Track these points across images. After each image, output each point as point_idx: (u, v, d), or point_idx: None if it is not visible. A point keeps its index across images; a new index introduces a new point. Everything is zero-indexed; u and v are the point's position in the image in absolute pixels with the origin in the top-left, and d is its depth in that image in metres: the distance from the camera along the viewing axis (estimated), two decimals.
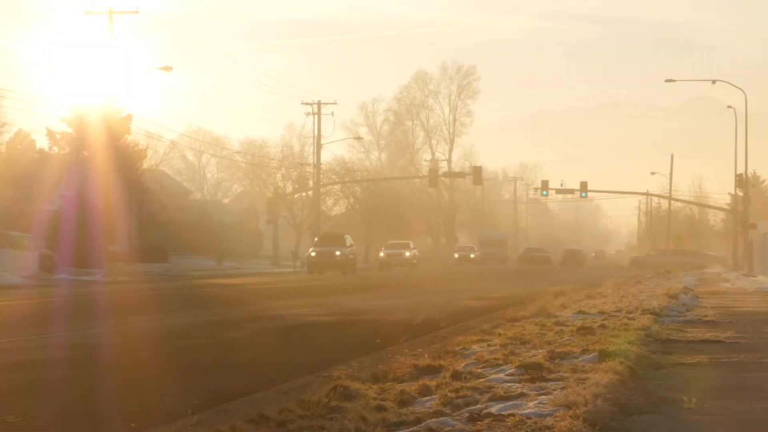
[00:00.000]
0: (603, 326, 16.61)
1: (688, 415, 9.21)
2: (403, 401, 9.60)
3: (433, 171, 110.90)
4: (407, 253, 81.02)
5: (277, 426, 8.46)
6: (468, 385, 10.22)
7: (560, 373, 11.11)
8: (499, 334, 15.62)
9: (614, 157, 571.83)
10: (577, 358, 12.41)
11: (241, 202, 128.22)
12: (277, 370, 13.56)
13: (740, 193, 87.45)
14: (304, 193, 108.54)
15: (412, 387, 10.33)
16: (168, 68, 66.86)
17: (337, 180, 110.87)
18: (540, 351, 13.05)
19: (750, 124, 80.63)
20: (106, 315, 25.62)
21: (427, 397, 9.85)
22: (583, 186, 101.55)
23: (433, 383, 10.52)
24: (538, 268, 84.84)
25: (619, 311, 20.63)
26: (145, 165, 72.59)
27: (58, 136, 64.08)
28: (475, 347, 14.09)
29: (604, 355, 12.24)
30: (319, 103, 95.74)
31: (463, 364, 12.00)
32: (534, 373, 11.05)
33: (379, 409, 9.07)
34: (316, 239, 71.04)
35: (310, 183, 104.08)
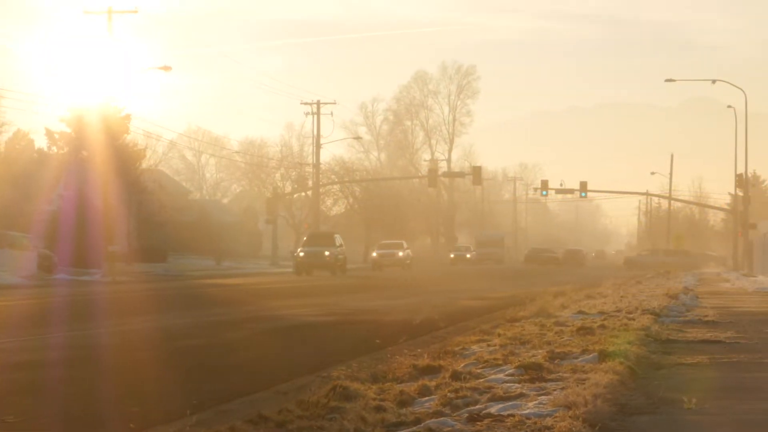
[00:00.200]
0: (603, 326, 16.59)
1: (688, 415, 9.20)
2: (403, 401, 9.58)
3: (433, 171, 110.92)
4: (400, 253, 79.56)
5: (276, 426, 8.45)
6: (467, 385, 10.20)
7: (560, 374, 11.10)
8: (499, 335, 15.60)
9: (614, 157, 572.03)
10: (576, 358, 12.39)
11: (240, 202, 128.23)
12: (277, 370, 13.55)
13: (740, 193, 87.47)
14: (303, 193, 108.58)
15: (411, 387, 10.31)
16: (167, 68, 66.87)
17: (336, 180, 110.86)
18: (540, 351, 13.03)
19: (750, 124, 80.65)
20: (105, 315, 25.61)
21: (427, 398, 9.84)
22: (583, 186, 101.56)
23: (433, 383, 10.51)
24: (539, 269, 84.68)
25: (618, 311, 20.61)
26: (144, 165, 72.58)
27: (56, 135, 64.06)
28: (475, 347, 14.07)
29: (603, 356, 12.22)
30: (318, 103, 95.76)
31: (462, 365, 11.98)
32: (534, 373, 11.03)
33: (379, 409, 9.06)
34: (304, 238, 69.20)
35: (310, 183, 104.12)
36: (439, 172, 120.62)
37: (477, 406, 9.18)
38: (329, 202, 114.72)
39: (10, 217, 58.79)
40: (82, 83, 65.46)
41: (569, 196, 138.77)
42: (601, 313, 20.22)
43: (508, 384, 10.42)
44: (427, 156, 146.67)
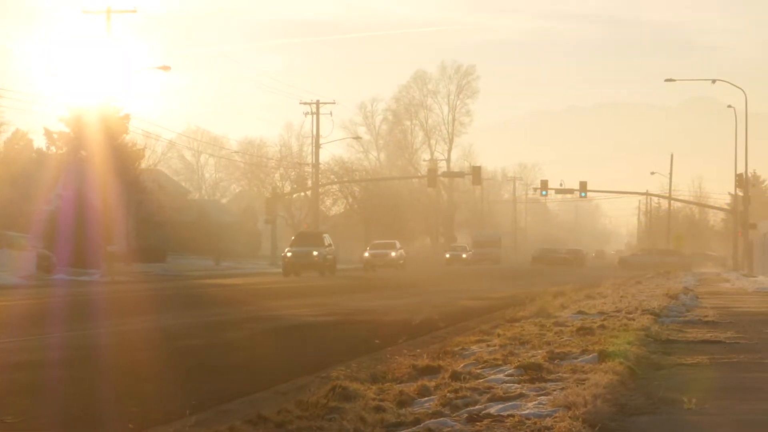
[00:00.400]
0: (602, 327, 16.57)
1: (688, 415, 9.19)
2: (402, 402, 9.57)
3: (432, 171, 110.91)
4: (393, 254, 78.08)
5: (275, 427, 8.43)
6: (467, 385, 10.19)
7: (560, 374, 11.08)
8: (499, 335, 15.58)
9: (614, 156, 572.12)
10: (576, 358, 12.38)
11: (240, 202, 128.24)
12: (276, 370, 13.53)
13: (740, 193, 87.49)
14: (302, 193, 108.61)
15: (411, 387, 10.30)
16: (166, 68, 66.89)
17: (335, 180, 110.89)
18: (539, 351, 13.02)
19: (750, 123, 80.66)
20: (104, 315, 25.60)
21: (426, 398, 9.82)
22: (583, 186, 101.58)
23: (432, 384, 10.49)
24: (540, 269, 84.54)
25: (618, 311, 20.59)
26: (143, 165, 72.58)
27: (55, 135, 64.05)
28: (475, 348, 14.06)
29: (603, 356, 12.20)
30: (317, 103, 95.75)
31: (462, 365, 11.96)
32: (533, 373, 11.02)
33: (378, 409, 9.04)
34: (292, 238, 67.14)
35: (309, 183, 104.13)
36: (439, 172, 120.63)
37: (477, 407, 9.17)
38: (328, 202, 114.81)
39: (8, 217, 58.79)
40: (81, 83, 65.48)
41: (569, 196, 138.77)
42: (601, 313, 20.20)
43: (508, 384, 10.40)
44: (426, 156, 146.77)
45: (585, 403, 8.83)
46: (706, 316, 20.83)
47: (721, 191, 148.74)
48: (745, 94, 79.57)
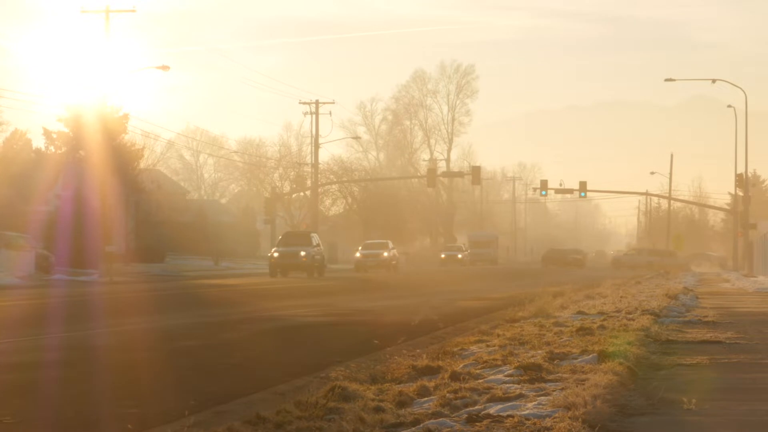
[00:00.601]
0: (602, 327, 16.55)
1: (688, 416, 9.16)
2: (402, 402, 9.54)
3: (432, 171, 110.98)
4: (385, 254, 76.04)
5: (274, 427, 8.41)
6: (466, 386, 10.17)
7: (559, 374, 11.06)
8: (498, 335, 15.56)
9: (613, 156, 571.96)
10: (576, 359, 12.35)
11: (239, 202, 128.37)
12: (275, 371, 13.50)
13: (740, 193, 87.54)
14: (301, 193, 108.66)
15: (410, 388, 10.27)
16: (165, 67, 66.96)
17: (334, 180, 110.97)
18: (539, 352, 12.99)
19: (750, 123, 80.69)
20: (103, 315, 25.58)
21: (426, 398, 9.80)
22: (582, 186, 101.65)
23: (432, 384, 10.47)
24: (538, 269, 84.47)
25: (618, 312, 20.57)
26: (142, 165, 72.64)
27: (54, 135, 64.08)
28: (474, 348, 14.03)
29: (603, 356, 12.18)
30: (317, 103, 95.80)
31: (461, 365, 11.94)
32: (533, 374, 10.99)
33: (377, 410, 9.02)
34: (279, 237, 65.71)
35: (308, 183, 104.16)
36: (438, 172, 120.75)
37: (476, 407, 9.14)
38: (328, 202, 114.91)
39: (7, 217, 58.78)
40: (79, 83, 65.54)
41: (568, 196, 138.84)
42: (601, 313, 20.18)
43: (507, 385, 10.38)
44: (426, 156, 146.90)
45: (585, 404, 8.80)
46: (705, 317, 20.81)
47: (721, 191, 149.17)
48: (745, 94, 79.65)
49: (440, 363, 12.25)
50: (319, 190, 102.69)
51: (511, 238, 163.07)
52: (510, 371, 11.26)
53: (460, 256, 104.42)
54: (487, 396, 9.62)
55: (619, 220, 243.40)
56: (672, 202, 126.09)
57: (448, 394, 9.69)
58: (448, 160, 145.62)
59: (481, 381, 10.65)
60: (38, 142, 69.61)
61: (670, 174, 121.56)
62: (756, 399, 10.24)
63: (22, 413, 10.35)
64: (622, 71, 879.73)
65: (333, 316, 24.05)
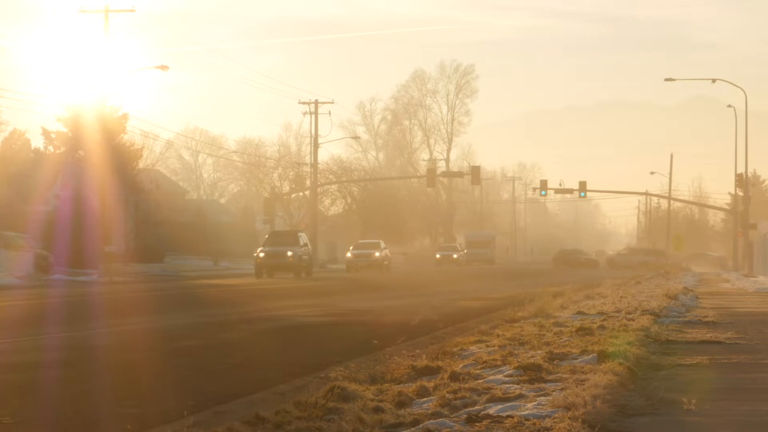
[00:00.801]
0: (602, 327, 16.53)
1: (687, 416, 9.15)
2: (401, 402, 9.53)
3: (431, 171, 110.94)
4: (377, 254, 74.84)
5: (273, 427, 8.40)
6: (466, 386, 10.15)
7: (559, 374, 11.04)
8: (498, 335, 15.54)
9: (613, 156, 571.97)
10: (576, 359, 12.33)
11: (238, 201, 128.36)
12: (274, 371, 13.48)
13: (740, 193, 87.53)
14: (301, 193, 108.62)
15: (409, 388, 10.25)
16: (164, 67, 66.96)
17: (334, 180, 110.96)
18: (539, 352, 12.97)
19: (750, 123, 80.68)
20: (102, 316, 25.57)
21: (425, 399, 9.78)
22: (582, 186, 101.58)
23: (431, 384, 10.45)
24: (538, 269, 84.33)
25: (618, 312, 20.55)
26: (141, 165, 72.63)
27: (53, 135, 64.07)
28: (474, 348, 14.01)
29: (603, 356, 12.16)
30: (316, 103, 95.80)
31: (461, 365, 11.92)
32: (533, 374, 10.98)
33: (377, 410, 9.00)
34: (265, 237, 63.86)
35: (307, 183, 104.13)
36: (438, 172, 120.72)
37: (476, 407, 9.13)
38: (327, 202, 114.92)
39: (6, 217, 58.78)
40: (78, 82, 65.55)
41: (568, 195, 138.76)
42: (601, 313, 20.16)
43: (507, 385, 10.36)
44: (425, 156, 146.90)
45: (584, 404, 8.79)
46: (705, 317, 20.79)
47: (721, 191, 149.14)
48: (745, 94, 79.64)
49: (440, 363, 12.23)
50: (319, 190, 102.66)
51: (510, 238, 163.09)
52: (510, 371, 11.25)
53: (455, 256, 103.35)
54: (487, 396, 9.61)
55: (619, 220, 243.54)
56: (672, 202, 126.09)
57: (447, 395, 9.68)
58: (447, 160, 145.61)
59: (480, 381, 10.64)
60: (37, 142, 69.71)
61: (670, 174, 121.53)
62: (756, 399, 10.23)
63: (21, 413, 10.33)
64: (622, 71, 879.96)
65: (332, 316, 24.04)
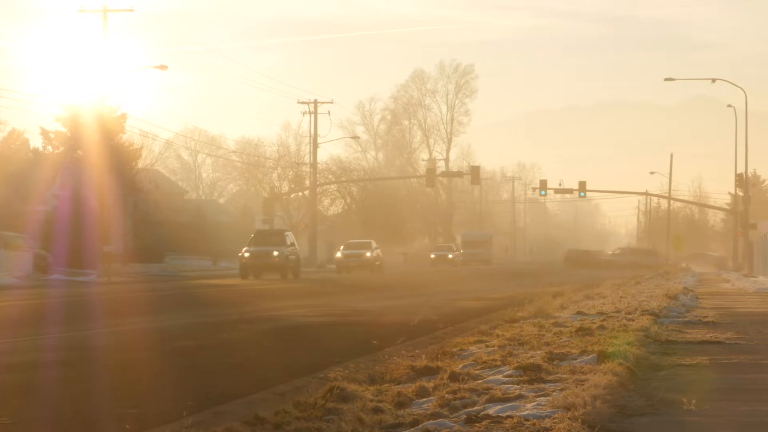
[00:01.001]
0: (602, 327, 16.52)
1: (687, 416, 9.13)
2: (401, 403, 9.51)
3: (431, 170, 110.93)
4: (368, 254, 73.28)
5: (273, 428, 8.38)
6: (466, 386, 10.13)
7: (559, 375, 11.02)
8: (498, 335, 15.53)
9: (613, 156, 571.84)
10: (575, 359, 12.32)
11: (237, 202, 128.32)
12: (273, 371, 13.47)
13: (740, 193, 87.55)
14: (300, 193, 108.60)
15: (409, 388, 10.24)
16: (163, 67, 66.96)
17: (333, 180, 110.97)
18: (538, 352, 12.95)
19: (750, 123, 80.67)
20: (101, 316, 25.57)
21: (425, 399, 9.77)
22: (582, 186, 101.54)
23: (431, 384, 10.44)
24: (537, 270, 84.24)
25: (618, 312, 20.54)
26: (140, 164, 72.60)
27: (52, 135, 64.04)
28: (473, 348, 13.99)
29: (603, 357, 12.15)
30: (315, 102, 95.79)
31: (460, 366, 11.90)
32: (532, 374, 10.96)
33: (376, 410, 8.99)
34: (251, 236, 61.40)
35: (307, 183, 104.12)
36: (437, 172, 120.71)
37: (475, 408, 9.11)
38: (326, 201, 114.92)
39: (5, 217, 58.77)
40: (77, 82, 65.54)
41: (568, 195, 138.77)
42: (600, 313, 20.15)
43: (507, 385, 10.34)
44: (425, 155, 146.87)
45: (584, 404, 8.78)
46: (705, 317, 20.77)
47: (721, 191, 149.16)
48: (745, 93, 79.65)
49: (439, 363, 12.22)
50: (318, 190, 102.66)
51: (510, 238, 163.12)
52: (509, 372, 11.23)
53: (450, 256, 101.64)
54: (487, 396, 9.59)
55: (618, 220, 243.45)
56: (672, 202, 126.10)
57: (447, 395, 9.66)
58: (447, 160, 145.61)
59: (480, 381, 10.62)
60: (36, 142, 69.71)
61: (670, 174, 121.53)
62: (756, 399, 10.21)
63: (20, 414, 10.32)
64: (622, 71, 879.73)
65: (332, 317, 24.02)
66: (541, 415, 8.57)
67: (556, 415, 8.50)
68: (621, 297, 27.17)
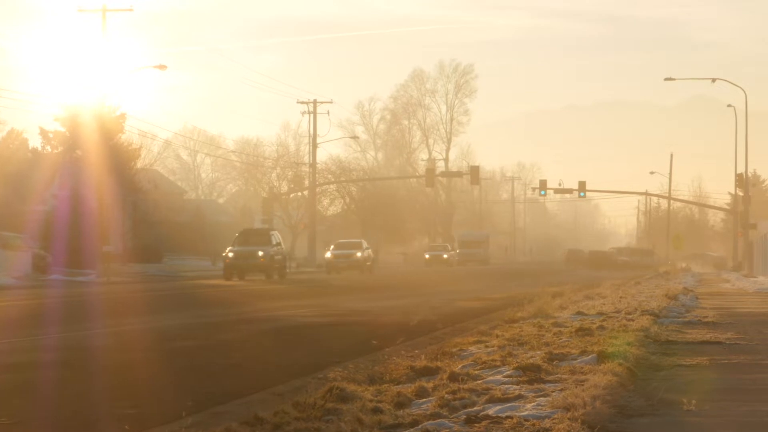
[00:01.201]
0: (602, 327, 16.50)
1: (687, 417, 9.13)
2: (400, 403, 9.49)
3: (430, 170, 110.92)
4: (358, 254, 71.27)
5: (272, 428, 8.37)
6: (465, 386, 10.12)
7: (558, 375, 11.01)
8: (497, 336, 15.51)
9: (613, 156, 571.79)
10: (575, 359, 12.30)
11: (236, 201, 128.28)
12: (272, 371, 13.46)
13: (740, 193, 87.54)
14: (299, 193, 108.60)
15: (408, 389, 10.22)
16: (162, 67, 66.93)
17: (332, 180, 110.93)
18: (538, 352, 12.94)
19: (750, 122, 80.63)
20: (100, 316, 25.56)
21: (424, 399, 9.75)
22: (582, 186, 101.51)
23: (430, 385, 10.42)
24: (536, 270, 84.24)
25: (618, 312, 20.52)
26: (139, 164, 72.57)
27: (51, 135, 64.01)
28: (473, 348, 13.98)
29: (602, 357, 12.13)
30: (314, 102, 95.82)
31: (460, 366, 11.89)
32: (532, 374, 10.94)
33: (376, 411, 8.97)
34: (236, 235, 59.58)
35: (306, 183, 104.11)
36: (437, 172, 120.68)
37: (475, 408, 9.10)
38: (326, 201, 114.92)
39: (3, 217, 58.75)
40: (76, 82, 65.52)
41: (568, 195, 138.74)
42: (600, 314, 20.13)
43: (506, 385, 10.33)
44: (424, 155, 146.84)
45: (584, 405, 8.76)
46: (705, 317, 20.76)
47: (721, 191, 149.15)
48: (745, 93, 79.64)
49: (439, 364, 12.20)
50: (317, 189, 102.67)
51: (510, 238, 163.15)
52: (509, 372, 11.22)
53: (445, 256, 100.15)
54: (486, 397, 9.58)
55: (618, 220, 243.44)
56: (672, 202, 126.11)
57: (446, 395, 9.64)
58: (446, 160, 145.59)
59: (479, 382, 10.60)
60: (35, 142, 69.63)
61: (670, 174, 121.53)
62: (756, 400, 10.20)
63: (19, 414, 10.31)
64: (622, 71, 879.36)
65: (331, 317, 24.01)
66: (540, 416, 8.56)
67: (556, 416, 8.49)
68: (621, 297, 27.16)
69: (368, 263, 71.97)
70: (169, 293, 37.76)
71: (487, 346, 14.15)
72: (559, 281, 42.84)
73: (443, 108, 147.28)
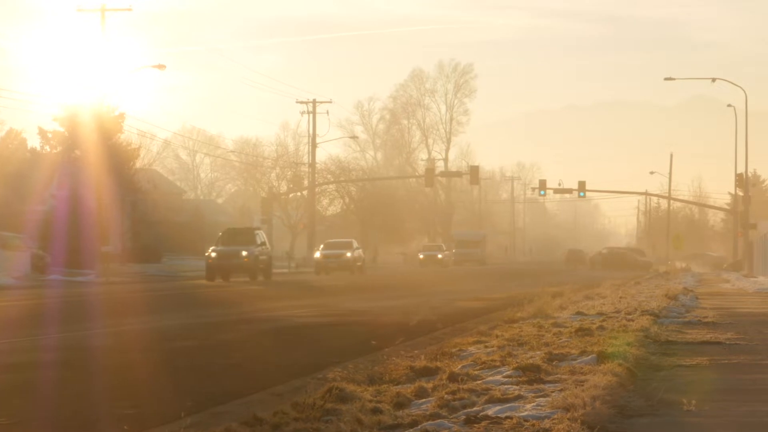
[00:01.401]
0: (601, 327, 16.49)
1: (687, 417, 9.12)
2: (399, 403, 9.48)
3: (430, 170, 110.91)
4: (348, 254, 69.72)
5: (271, 428, 8.36)
6: (465, 387, 10.11)
7: (558, 375, 11.00)
8: (497, 336, 15.50)
9: (613, 156, 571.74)
10: (575, 359, 12.29)
11: (235, 201, 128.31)
12: (272, 371, 13.45)
13: (740, 193, 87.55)
14: (298, 193, 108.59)
15: (408, 389, 10.21)
16: (161, 67, 66.94)
17: (332, 179, 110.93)
18: (538, 352, 12.93)
19: (750, 122, 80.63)
20: (99, 316, 25.56)
21: (424, 399, 9.74)
22: (581, 185, 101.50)
23: (430, 385, 10.41)
24: (535, 270, 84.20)
25: (617, 312, 20.51)
26: (138, 164, 72.57)
27: (50, 135, 64.00)
28: (472, 349, 13.97)
29: (602, 357, 12.12)
30: (314, 102, 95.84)
31: (459, 366, 11.88)
32: (532, 374, 10.94)
33: (375, 411, 8.96)
34: (219, 235, 57.64)
35: (305, 182, 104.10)
36: (436, 172, 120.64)
37: (474, 408, 9.09)
38: (325, 201, 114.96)
39: (2, 217, 58.75)
40: (75, 82, 65.53)
41: (567, 195, 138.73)
42: (600, 314, 20.12)
43: (506, 386, 10.32)
44: (424, 155, 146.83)
45: (584, 405, 8.75)
46: (705, 317, 20.75)
47: (721, 191, 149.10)
48: (745, 93, 79.65)
49: (438, 364, 12.19)
50: (317, 189, 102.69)
51: (509, 238, 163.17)
52: (509, 372, 11.21)
53: (440, 256, 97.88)
54: (486, 397, 9.57)
55: (618, 220, 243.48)
56: (672, 202, 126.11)
57: (446, 395, 9.64)
58: (446, 160, 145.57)
59: (479, 382, 10.59)
60: (34, 142, 69.61)
61: (670, 174, 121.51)
62: (756, 400, 10.19)
63: (19, 414, 10.31)
64: (622, 71, 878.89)
65: (331, 317, 24.01)
66: (540, 416, 8.55)
67: (556, 416, 8.48)
68: (620, 297, 27.15)
69: (359, 263, 70.45)
70: (169, 293, 37.78)
71: (486, 347, 14.14)
72: (559, 281, 42.83)
73: (443, 108, 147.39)
